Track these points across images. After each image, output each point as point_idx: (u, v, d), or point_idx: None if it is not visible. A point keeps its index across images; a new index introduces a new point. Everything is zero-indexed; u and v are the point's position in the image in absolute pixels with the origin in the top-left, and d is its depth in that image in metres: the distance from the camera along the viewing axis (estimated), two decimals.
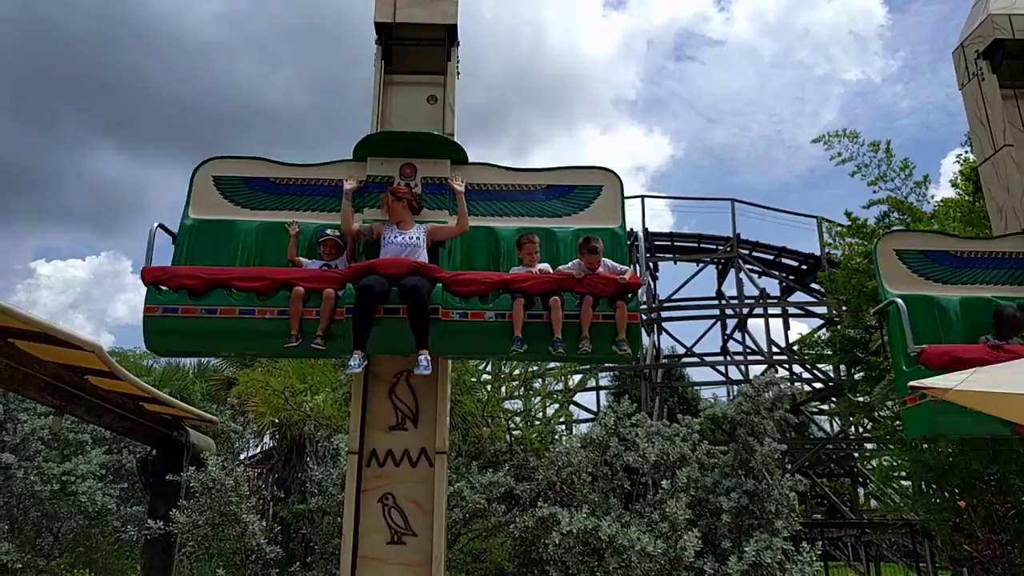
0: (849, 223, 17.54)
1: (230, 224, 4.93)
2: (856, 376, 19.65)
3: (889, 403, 13.32)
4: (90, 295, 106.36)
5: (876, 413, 17.20)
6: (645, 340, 25.94)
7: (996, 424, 4.81)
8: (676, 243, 28.35)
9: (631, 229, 5.28)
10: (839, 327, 19.63)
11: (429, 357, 4.29)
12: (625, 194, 5.28)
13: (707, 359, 27.45)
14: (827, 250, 22.94)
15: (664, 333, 27.45)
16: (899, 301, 5.03)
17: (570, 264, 4.66)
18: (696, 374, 34.49)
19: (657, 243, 27.93)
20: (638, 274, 4.94)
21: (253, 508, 9.09)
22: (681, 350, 29.05)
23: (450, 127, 5.43)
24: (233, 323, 4.39)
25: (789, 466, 20.39)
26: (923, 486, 12.63)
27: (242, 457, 18.02)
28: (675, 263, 29.19)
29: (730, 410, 9.77)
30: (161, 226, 4.88)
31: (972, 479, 10.96)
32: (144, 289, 4.55)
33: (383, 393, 4.76)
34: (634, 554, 8.05)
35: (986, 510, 9.90)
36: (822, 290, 24.03)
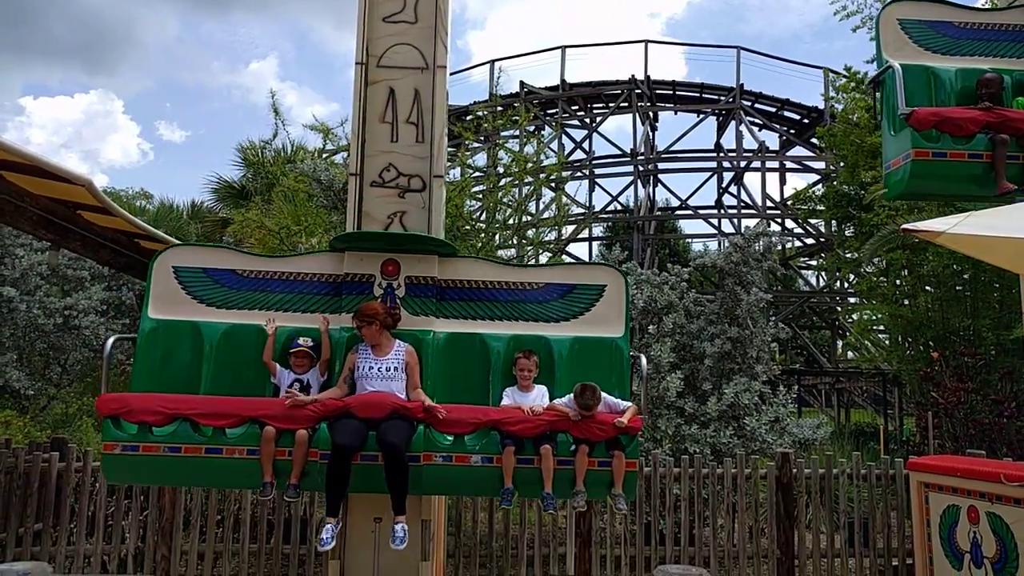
0: (848, 77, 16.99)
1: (194, 327, 4.55)
2: (847, 232, 19.82)
3: (876, 260, 13.53)
4: (82, 135, 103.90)
5: (862, 269, 17.51)
6: (642, 193, 25.81)
7: (973, 186, 4.71)
8: (678, 92, 27.52)
9: (635, 354, 4.91)
10: (834, 182, 19.55)
11: (406, 527, 4.09)
12: (629, 290, 4.86)
13: (701, 212, 27.48)
14: (831, 104, 22.39)
15: (660, 185, 27.31)
16: (896, 65, 5.05)
17: (565, 399, 4.33)
18: (689, 227, 34.67)
19: (658, 91, 27.10)
20: (640, 401, 4.63)
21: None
22: (676, 202, 29.04)
23: None
24: (200, 462, 4.15)
25: (773, 317, 21.01)
26: (899, 339, 13.12)
27: None
28: (675, 113, 28.50)
29: (720, 260, 9.92)
30: (120, 337, 4.68)
31: (948, 333, 11.37)
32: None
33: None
34: None
35: (956, 361, 10.34)
36: (821, 145, 23.70)
